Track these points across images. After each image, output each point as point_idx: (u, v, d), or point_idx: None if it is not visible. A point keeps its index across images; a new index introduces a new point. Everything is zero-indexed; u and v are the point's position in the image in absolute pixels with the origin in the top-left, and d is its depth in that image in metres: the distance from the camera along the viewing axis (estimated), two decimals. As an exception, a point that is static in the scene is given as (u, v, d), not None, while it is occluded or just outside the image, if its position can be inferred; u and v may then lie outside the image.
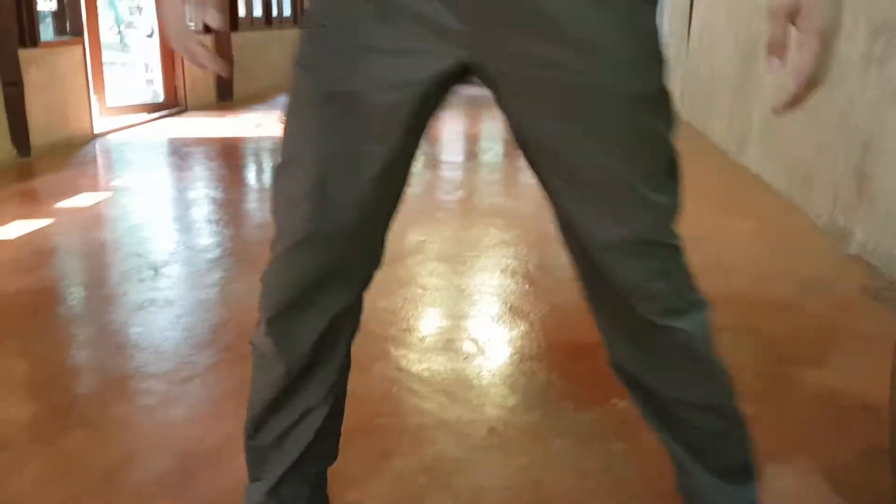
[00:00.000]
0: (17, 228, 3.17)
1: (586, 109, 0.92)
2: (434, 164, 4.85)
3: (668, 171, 0.99)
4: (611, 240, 0.99)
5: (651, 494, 1.51)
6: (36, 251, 2.90)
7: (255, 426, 1.19)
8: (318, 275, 1.05)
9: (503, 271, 2.80)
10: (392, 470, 1.57)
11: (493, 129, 6.33)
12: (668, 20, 7.80)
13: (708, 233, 3.32)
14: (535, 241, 3.17)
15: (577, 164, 0.97)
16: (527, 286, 2.65)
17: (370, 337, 2.20)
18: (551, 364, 2.06)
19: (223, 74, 1.13)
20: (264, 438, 1.19)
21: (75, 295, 2.55)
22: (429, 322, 2.34)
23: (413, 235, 3.21)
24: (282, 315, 1.08)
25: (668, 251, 1.03)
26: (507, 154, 5.26)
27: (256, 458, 1.22)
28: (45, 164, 4.44)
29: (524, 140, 1.02)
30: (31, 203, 3.63)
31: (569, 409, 1.83)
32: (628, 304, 1.03)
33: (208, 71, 1.10)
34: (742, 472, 1.19)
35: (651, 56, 0.94)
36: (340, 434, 1.28)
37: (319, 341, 1.10)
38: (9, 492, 1.47)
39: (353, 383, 1.89)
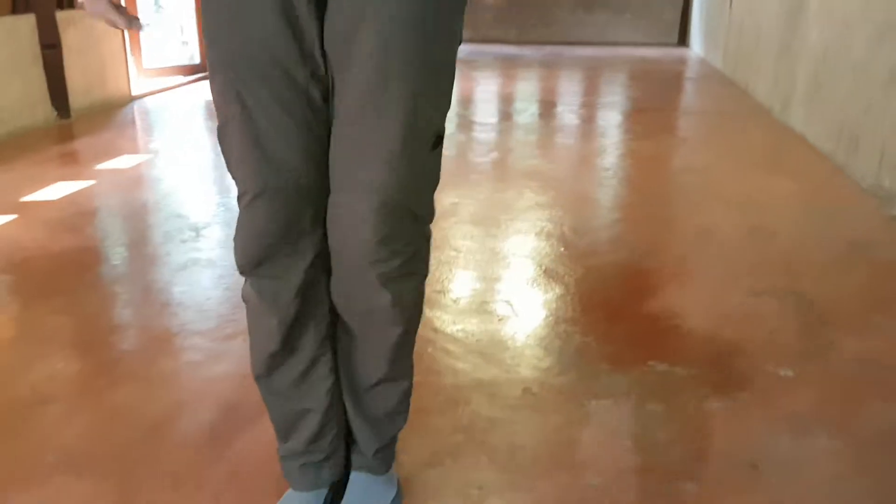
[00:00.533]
0: (60, 189, 3.24)
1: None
2: (467, 125, 4.82)
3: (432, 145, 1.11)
4: (373, 194, 1.08)
5: (687, 456, 1.52)
6: (79, 212, 2.97)
7: (267, 369, 1.22)
8: (280, 226, 1.09)
9: (538, 234, 2.79)
10: (428, 427, 1.59)
11: (529, 89, 6.25)
12: (711, -24, 7.57)
13: (750, 194, 3.26)
14: (570, 204, 3.15)
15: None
16: (562, 249, 2.64)
17: (406, 298, 2.22)
18: (587, 326, 2.06)
19: (137, 32, 1.19)
20: (280, 383, 1.23)
21: (119, 255, 2.60)
22: (463, 284, 2.35)
23: (446, 198, 3.21)
24: (257, 268, 1.13)
25: (413, 219, 1.13)
26: (542, 115, 5.20)
27: (278, 409, 1.26)
28: (85, 127, 4.50)
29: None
30: (72, 165, 3.70)
31: (605, 370, 1.83)
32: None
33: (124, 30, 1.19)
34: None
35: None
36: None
37: (301, 290, 1.14)
38: (59, 443, 1.52)
39: (390, 343, 1.93)
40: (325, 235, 1.13)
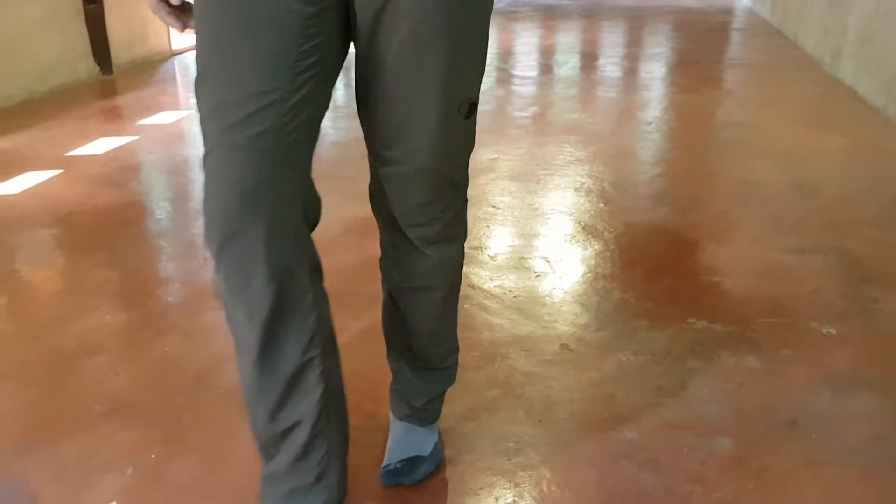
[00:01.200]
0: (104, 145, 3.29)
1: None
2: (506, 78, 4.74)
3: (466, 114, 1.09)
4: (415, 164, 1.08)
5: (726, 412, 1.51)
6: (123, 167, 3.02)
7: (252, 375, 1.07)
8: (251, 188, 0.94)
9: (577, 190, 2.76)
10: (465, 382, 1.61)
11: (570, 41, 6.12)
12: (761, -80, 7.27)
13: (796, 148, 3.17)
14: (611, 159, 3.10)
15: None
16: (602, 205, 2.61)
17: (444, 253, 2.22)
18: (626, 283, 2.05)
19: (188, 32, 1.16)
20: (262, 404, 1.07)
21: (162, 209, 2.65)
22: (500, 240, 2.35)
23: (485, 153, 3.18)
24: (226, 242, 0.97)
25: (451, 185, 1.14)
26: (583, 67, 5.10)
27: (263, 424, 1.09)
28: (127, 82, 4.55)
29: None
30: (115, 120, 3.75)
31: (643, 327, 1.82)
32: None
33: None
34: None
35: None
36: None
37: (273, 277, 0.98)
38: (108, 392, 1.58)
39: (428, 298, 1.94)
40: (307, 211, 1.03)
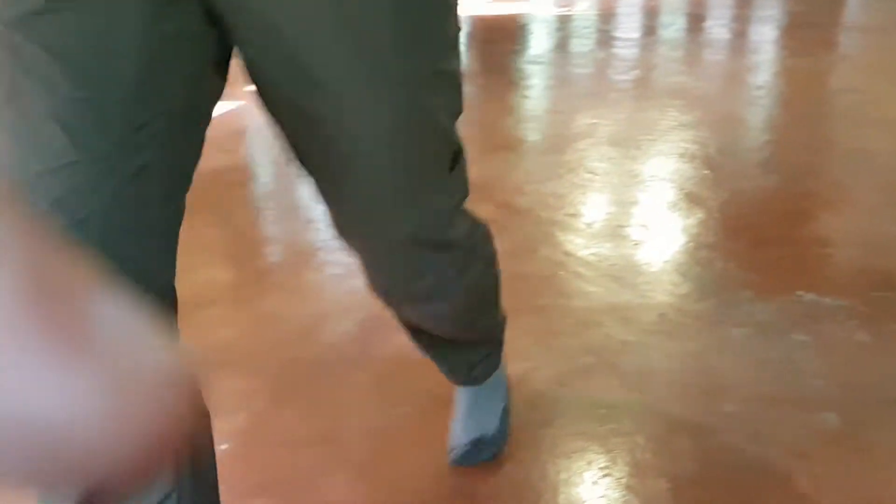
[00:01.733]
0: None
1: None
2: (607, 40, 4.62)
3: (449, 165, 0.88)
4: (386, 239, 0.90)
5: (832, 387, 1.45)
6: (232, 131, 3.14)
7: None
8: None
9: (681, 156, 2.68)
10: (559, 348, 1.61)
11: (675, 2, 5.89)
12: None
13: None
14: (717, 124, 2.99)
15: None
16: (706, 171, 2.53)
17: (536, 220, 2.21)
18: (729, 252, 1.98)
19: None
20: None
21: (268, 172, 2.75)
22: (597, 207, 2.31)
23: (582, 118, 3.13)
24: None
25: (437, 249, 0.92)
26: (689, 29, 4.91)
27: None
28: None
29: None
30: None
31: (747, 298, 1.76)
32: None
33: None
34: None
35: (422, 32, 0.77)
36: None
37: None
38: (217, 341, 1.67)
39: (518, 265, 1.95)
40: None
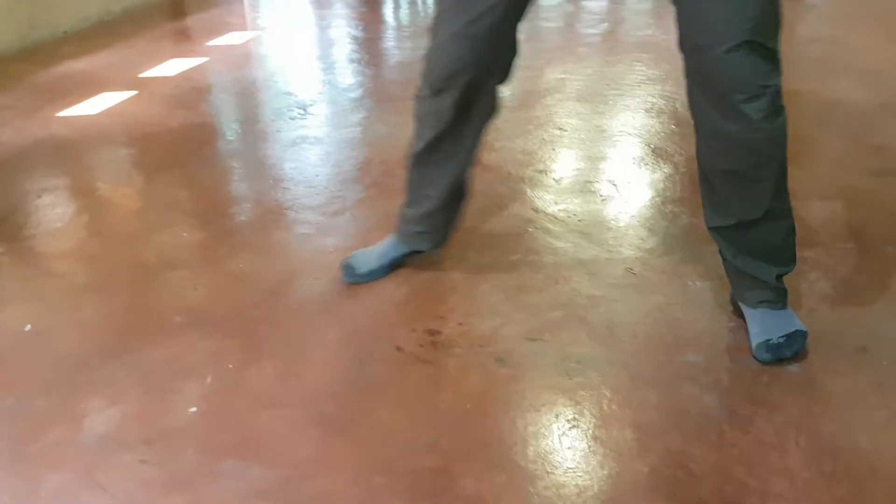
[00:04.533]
0: (175, 66, 3.35)
1: None
2: (577, -5, 4.58)
3: None
4: (729, 40, 1.23)
5: (792, 339, 1.49)
6: (194, 88, 3.07)
7: (417, 158, 1.61)
8: (463, 61, 1.46)
9: (648, 111, 2.68)
10: (528, 303, 1.62)
11: (644, -44, 5.83)
12: None
13: (883, 65, 3.00)
14: (684, 78, 2.99)
15: None
16: (673, 126, 2.53)
17: (505, 177, 2.21)
18: (695, 207, 2.00)
19: None
20: (423, 169, 1.62)
21: (232, 130, 2.70)
22: (566, 163, 2.32)
23: (552, 73, 3.11)
24: (438, 84, 1.49)
25: (771, 55, 1.27)
26: (657, -17, 4.87)
27: (414, 185, 1.65)
28: (195, 3, 4.58)
29: None
30: (185, 42, 3.80)
31: (711, 252, 1.77)
32: (732, 101, 1.27)
33: None
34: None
35: None
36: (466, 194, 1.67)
37: (460, 108, 1.51)
38: (186, 304, 1.66)
39: (489, 222, 1.95)
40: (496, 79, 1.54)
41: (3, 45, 3.54)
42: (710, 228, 1.49)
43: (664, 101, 2.75)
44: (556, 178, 2.21)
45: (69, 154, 2.47)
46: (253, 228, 1.98)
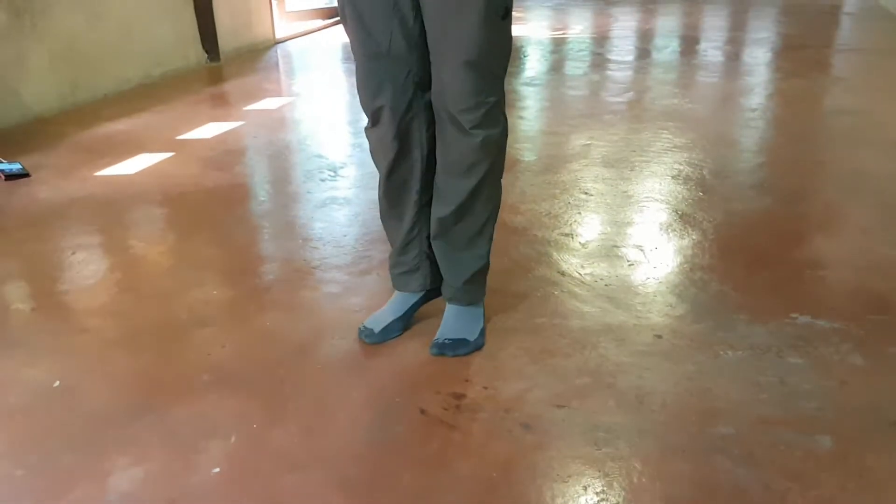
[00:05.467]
0: (212, 129, 3.45)
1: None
2: (602, 63, 4.66)
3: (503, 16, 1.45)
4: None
5: (827, 409, 1.45)
6: (229, 150, 3.15)
7: (382, 192, 1.67)
8: (379, 78, 1.53)
9: (674, 177, 2.69)
10: (555, 368, 1.61)
11: (670, 25, 5.95)
12: None
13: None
14: (711, 146, 3.01)
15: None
16: (700, 193, 2.54)
17: (531, 240, 2.22)
18: (724, 274, 1.99)
19: None
20: (388, 201, 1.68)
21: (264, 191, 2.76)
22: (592, 228, 2.32)
23: (577, 139, 3.15)
24: (373, 116, 1.58)
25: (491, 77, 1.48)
26: (683, 52, 4.95)
27: (386, 221, 1.73)
28: (233, 69, 4.74)
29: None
30: (222, 106, 3.92)
31: (743, 321, 1.77)
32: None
33: None
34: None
35: None
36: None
37: (400, 133, 1.57)
38: (214, 361, 1.67)
39: (514, 284, 1.96)
40: (417, 93, 1.54)
41: (45, 105, 3.68)
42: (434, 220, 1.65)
43: (691, 169, 2.76)
44: (583, 241, 2.21)
45: (105, 212, 2.54)
46: (281, 287, 2.00)
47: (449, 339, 1.68)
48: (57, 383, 1.60)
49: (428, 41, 1.49)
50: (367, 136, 1.64)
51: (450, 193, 1.59)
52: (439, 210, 1.62)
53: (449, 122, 1.52)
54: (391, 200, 1.68)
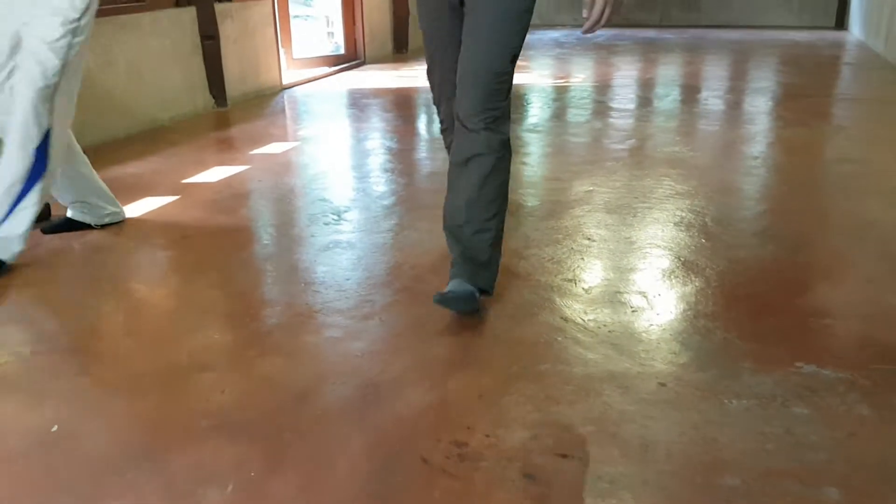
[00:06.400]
0: (218, 173, 3.48)
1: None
2: (604, 111, 4.72)
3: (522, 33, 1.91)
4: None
5: (836, 460, 1.43)
6: (234, 194, 3.17)
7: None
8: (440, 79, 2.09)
9: (677, 224, 2.70)
10: (558, 416, 1.59)
11: (671, 74, 6.03)
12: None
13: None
14: (713, 194, 3.02)
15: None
16: (703, 240, 2.54)
17: (535, 285, 2.22)
18: (729, 322, 1.98)
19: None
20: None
21: (268, 235, 2.77)
22: (595, 273, 2.32)
23: (580, 185, 3.17)
24: (438, 102, 2.14)
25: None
26: (684, 100, 5.01)
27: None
28: (240, 115, 4.80)
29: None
30: (228, 150, 3.96)
31: (748, 369, 1.75)
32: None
33: None
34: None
35: None
36: None
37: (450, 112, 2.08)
38: (214, 407, 1.65)
39: (518, 329, 1.95)
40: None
41: (56, 149, 3.72)
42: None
43: (693, 216, 2.77)
44: (586, 287, 2.21)
45: (109, 255, 2.54)
46: (283, 331, 1.99)
47: (455, 293, 1.96)
48: (55, 428, 1.58)
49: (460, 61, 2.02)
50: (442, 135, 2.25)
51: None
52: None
53: (462, 129, 1.99)
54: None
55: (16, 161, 2.27)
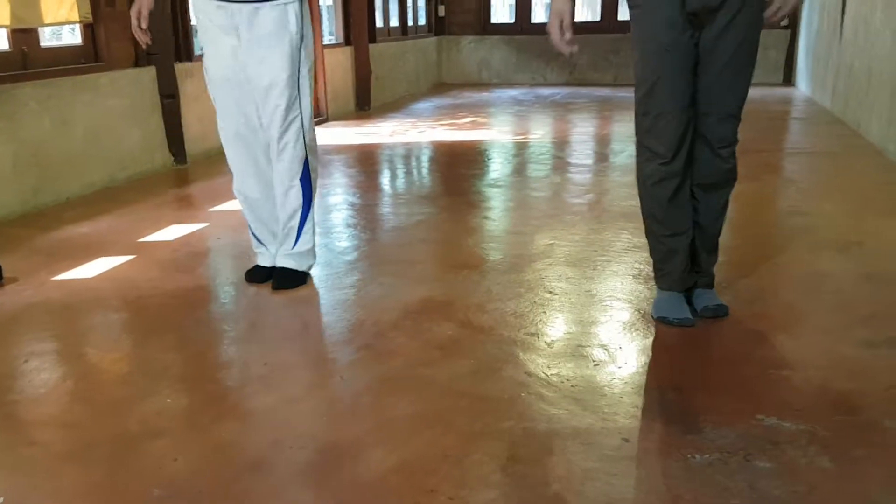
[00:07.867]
0: (176, 231, 3.43)
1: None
2: (562, 166, 4.80)
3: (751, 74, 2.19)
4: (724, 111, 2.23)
5: (799, 517, 1.43)
6: (192, 252, 3.13)
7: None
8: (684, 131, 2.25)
9: (636, 277, 2.73)
10: (523, 475, 1.56)
11: (625, 131, 6.18)
12: (819, 15, 7.33)
13: (866, 238, 3.09)
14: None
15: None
16: (662, 293, 2.56)
17: (498, 340, 2.21)
18: (689, 374, 1.99)
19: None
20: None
21: (227, 293, 2.72)
22: (557, 327, 2.32)
23: (541, 239, 3.20)
24: (667, 151, 2.25)
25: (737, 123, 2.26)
26: (640, 156, 5.12)
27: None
28: (200, 172, 4.77)
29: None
30: (187, 208, 3.92)
31: (710, 422, 1.75)
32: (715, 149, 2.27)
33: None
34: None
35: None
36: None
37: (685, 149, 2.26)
38: (166, 476, 1.59)
39: (481, 385, 1.93)
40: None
41: (6, 209, 3.65)
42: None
43: (651, 269, 2.80)
44: (548, 341, 2.21)
45: (60, 318, 2.47)
46: (239, 394, 1.94)
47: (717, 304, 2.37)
48: (2, 500, 1.50)
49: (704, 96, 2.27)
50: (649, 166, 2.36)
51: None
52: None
53: (712, 155, 2.35)
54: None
55: (292, 198, 2.66)
